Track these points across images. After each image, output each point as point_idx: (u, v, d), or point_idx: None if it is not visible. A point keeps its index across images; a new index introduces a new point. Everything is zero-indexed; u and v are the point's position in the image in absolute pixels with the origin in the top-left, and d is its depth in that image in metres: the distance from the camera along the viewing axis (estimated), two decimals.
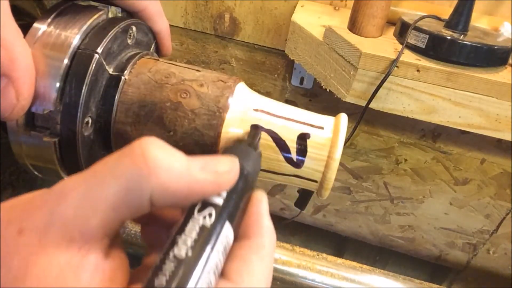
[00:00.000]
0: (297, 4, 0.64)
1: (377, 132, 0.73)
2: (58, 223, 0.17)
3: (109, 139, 0.29)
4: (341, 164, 0.78)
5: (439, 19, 0.57)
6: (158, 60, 0.30)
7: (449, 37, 0.51)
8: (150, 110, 0.27)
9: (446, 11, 0.56)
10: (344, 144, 0.27)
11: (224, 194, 0.20)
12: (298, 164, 0.27)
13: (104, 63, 0.26)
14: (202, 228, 0.18)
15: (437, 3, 0.61)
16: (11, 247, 0.17)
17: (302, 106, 0.30)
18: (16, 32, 0.22)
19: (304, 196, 0.35)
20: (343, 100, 0.57)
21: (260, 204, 0.22)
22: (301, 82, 0.71)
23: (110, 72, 0.27)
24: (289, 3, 0.65)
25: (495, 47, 0.51)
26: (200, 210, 0.19)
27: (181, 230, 0.18)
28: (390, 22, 0.59)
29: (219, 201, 0.20)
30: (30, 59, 0.23)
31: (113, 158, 0.18)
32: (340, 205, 0.85)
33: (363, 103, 0.55)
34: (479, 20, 0.60)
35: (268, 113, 0.28)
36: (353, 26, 0.55)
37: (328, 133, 0.27)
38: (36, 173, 0.29)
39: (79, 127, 0.26)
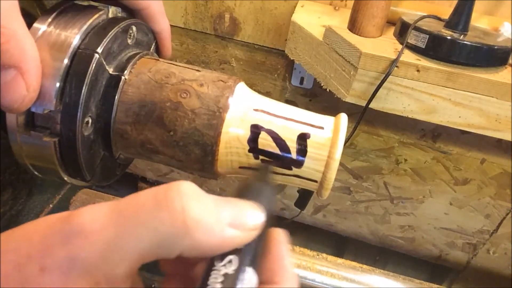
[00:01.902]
0: (297, 4, 0.64)
1: (377, 132, 0.73)
2: (83, 266, 0.17)
3: (109, 139, 0.29)
4: (341, 164, 0.78)
5: (439, 19, 0.57)
6: (158, 60, 0.30)
7: (449, 37, 0.51)
8: (150, 110, 0.27)
9: (446, 11, 0.56)
10: (344, 144, 0.27)
11: None
12: (298, 164, 0.27)
13: (104, 63, 0.26)
14: (225, 276, 0.18)
15: (437, 3, 0.61)
16: (34, 285, 0.17)
17: (302, 106, 0.30)
18: (25, 26, 0.23)
19: (304, 196, 0.35)
20: (343, 100, 0.57)
21: (281, 246, 0.22)
22: (301, 82, 0.71)
23: (110, 72, 0.27)
24: (289, 3, 0.65)
25: (495, 47, 0.51)
26: (221, 259, 0.19)
27: (204, 282, 0.18)
28: (390, 22, 0.59)
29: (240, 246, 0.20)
30: (37, 51, 0.23)
31: (148, 204, 0.18)
32: (340, 205, 0.85)
33: (363, 103, 0.55)
34: (479, 20, 0.60)
35: (268, 113, 0.28)
36: (353, 26, 0.55)
37: (328, 133, 0.27)
38: (36, 173, 0.29)
39: (79, 127, 0.26)
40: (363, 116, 0.55)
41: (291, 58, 0.64)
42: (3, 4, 0.21)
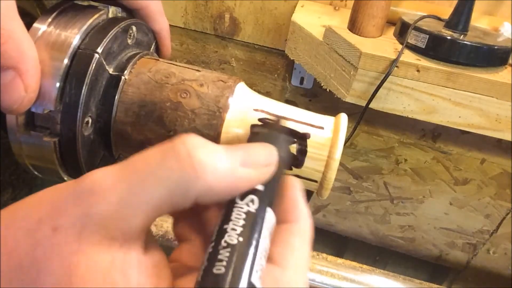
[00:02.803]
0: (297, 4, 0.64)
1: (377, 132, 0.73)
2: (97, 222, 0.17)
3: (109, 139, 0.29)
4: (341, 164, 0.78)
5: (439, 19, 0.57)
6: (158, 60, 0.30)
7: (449, 37, 0.51)
8: (150, 110, 0.27)
9: (446, 11, 0.56)
10: (344, 144, 0.27)
11: None
12: (298, 164, 0.27)
13: (104, 63, 0.26)
14: (248, 214, 0.19)
15: (437, 3, 0.61)
16: (47, 248, 0.16)
17: (302, 106, 0.30)
18: (23, 26, 0.23)
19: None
20: (343, 100, 0.57)
21: (296, 190, 0.22)
22: (301, 82, 0.71)
23: (110, 72, 0.27)
24: (289, 3, 0.65)
25: (495, 47, 0.51)
26: (242, 198, 0.19)
27: (227, 219, 0.18)
28: (390, 22, 0.59)
29: (260, 187, 0.20)
30: (35, 51, 0.23)
31: (156, 157, 0.18)
32: (340, 205, 0.85)
33: (363, 103, 0.55)
34: (479, 20, 0.60)
35: (268, 113, 0.28)
36: (353, 26, 0.55)
37: (328, 133, 0.27)
38: (36, 173, 0.29)
39: (79, 127, 0.26)
40: (363, 116, 0.55)
41: (291, 58, 0.64)
42: (1, 4, 0.21)
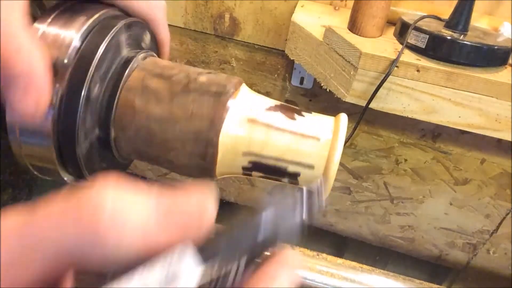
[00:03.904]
0: (297, 4, 0.64)
1: (377, 132, 0.73)
2: None
3: (109, 146, 0.29)
4: (341, 164, 0.78)
5: (439, 19, 0.57)
6: (154, 64, 0.30)
7: (449, 37, 0.51)
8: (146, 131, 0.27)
9: (446, 11, 0.56)
10: (344, 144, 0.27)
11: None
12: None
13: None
14: (167, 276, 0.15)
15: (437, 3, 0.61)
16: None
17: (302, 106, 0.30)
18: (32, 35, 0.22)
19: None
20: (343, 100, 0.57)
21: (280, 266, 0.17)
22: (301, 82, 0.71)
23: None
24: (289, 3, 0.65)
25: (495, 47, 0.51)
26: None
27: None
28: (390, 22, 0.59)
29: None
30: (46, 61, 0.22)
31: (58, 208, 0.16)
32: (340, 205, 0.85)
33: (363, 103, 0.55)
34: (479, 20, 0.60)
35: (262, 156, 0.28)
36: (353, 26, 0.55)
37: (328, 134, 0.27)
38: (36, 173, 0.29)
39: (77, 137, 0.26)
40: (363, 116, 0.55)
41: (291, 58, 0.64)
42: (7, 13, 0.20)
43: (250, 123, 0.27)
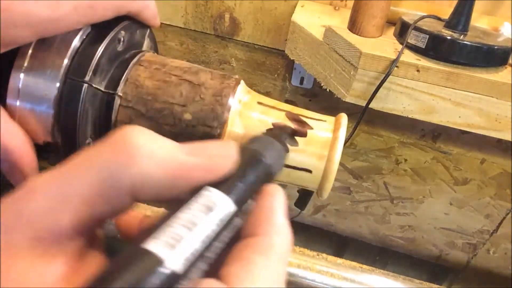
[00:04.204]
0: (297, 4, 0.64)
1: (377, 132, 0.73)
2: (25, 222, 0.15)
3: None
4: (341, 164, 0.78)
5: (439, 19, 0.57)
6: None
7: (449, 37, 0.51)
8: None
9: (446, 11, 0.56)
10: (344, 144, 0.27)
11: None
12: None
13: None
14: (207, 206, 0.16)
15: (437, 3, 0.61)
16: None
17: (302, 106, 0.30)
18: (5, 117, 0.24)
19: (304, 196, 0.35)
20: (343, 100, 0.57)
21: (272, 198, 0.19)
22: (301, 82, 0.71)
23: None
24: (289, 3, 0.65)
25: (495, 47, 0.51)
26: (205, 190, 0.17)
27: (181, 207, 0.16)
28: (390, 22, 0.59)
29: (231, 185, 0.17)
30: (21, 138, 0.24)
31: (90, 148, 0.16)
32: (340, 205, 0.85)
33: (363, 103, 0.55)
34: (479, 20, 0.60)
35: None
36: (353, 26, 0.55)
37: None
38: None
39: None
40: (363, 116, 0.55)
41: (291, 58, 0.64)
42: None
43: None
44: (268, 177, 0.20)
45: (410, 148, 0.74)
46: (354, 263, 0.67)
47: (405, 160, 0.75)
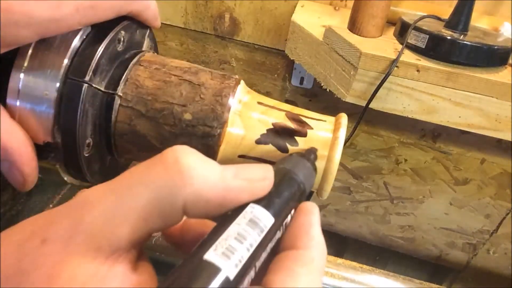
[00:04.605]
0: (297, 4, 0.64)
1: (377, 132, 0.73)
2: (84, 233, 0.16)
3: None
4: (341, 164, 0.78)
5: (439, 19, 0.57)
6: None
7: (449, 37, 0.51)
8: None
9: (446, 11, 0.56)
10: (344, 144, 0.27)
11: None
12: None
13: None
14: (251, 221, 0.18)
15: (437, 3, 0.61)
16: (34, 258, 0.16)
17: (302, 106, 0.30)
18: (4, 116, 0.24)
19: (304, 196, 0.35)
20: (343, 100, 0.57)
21: (310, 214, 0.21)
22: (301, 82, 0.71)
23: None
24: (289, 3, 0.65)
25: (495, 47, 0.51)
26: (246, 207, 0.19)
27: (228, 220, 0.18)
28: (390, 22, 0.59)
29: (270, 202, 0.19)
30: (21, 138, 0.24)
31: (142, 167, 0.18)
32: (340, 205, 0.85)
33: (363, 103, 0.55)
34: (479, 20, 0.60)
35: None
36: (353, 26, 0.55)
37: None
38: None
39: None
40: (363, 116, 0.55)
41: (291, 58, 0.64)
42: None
43: (240, 159, 0.27)
44: (301, 193, 0.22)
45: (410, 148, 0.74)
46: (354, 263, 0.67)
47: (405, 160, 0.75)
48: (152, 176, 0.17)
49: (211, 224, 0.22)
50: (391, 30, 0.59)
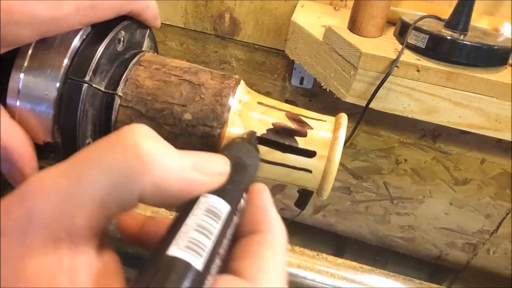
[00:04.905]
0: (297, 4, 0.64)
1: (377, 132, 0.73)
2: (39, 223, 0.16)
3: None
4: (341, 164, 0.78)
5: (439, 19, 0.57)
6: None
7: (449, 37, 0.51)
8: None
9: (446, 11, 0.56)
10: (344, 144, 0.27)
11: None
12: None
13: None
14: (209, 211, 0.18)
15: (437, 3, 0.61)
16: None
17: (302, 106, 0.30)
18: (4, 116, 0.24)
19: (304, 196, 0.35)
20: (343, 100, 0.57)
21: (262, 196, 0.21)
22: (301, 82, 0.71)
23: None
24: (289, 3, 0.65)
25: (495, 47, 0.51)
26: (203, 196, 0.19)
27: (186, 212, 0.17)
28: (390, 22, 0.59)
29: (224, 189, 0.19)
30: (21, 137, 0.24)
31: (98, 148, 0.17)
32: (340, 205, 0.85)
33: (363, 103, 0.55)
34: (479, 20, 0.60)
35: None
36: (353, 26, 0.55)
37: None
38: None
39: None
40: (363, 116, 0.55)
41: (291, 58, 0.64)
42: None
43: None
44: (250, 177, 0.22)
45: (410, 148, 0.74)
46: (354, 263, 0.67)
47: (405, 160, 0.75)
48: (109, 160, 0.16)
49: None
50: (391, 30, 0.59)
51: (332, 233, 0.90)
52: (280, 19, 0.66)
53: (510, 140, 0.56)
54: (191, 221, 0.17)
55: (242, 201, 0.20)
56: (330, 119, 0.28)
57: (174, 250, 0.16)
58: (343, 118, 0.28)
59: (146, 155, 0.17)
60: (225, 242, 0.18)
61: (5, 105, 0.25)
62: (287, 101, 0.74)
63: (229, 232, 0.18)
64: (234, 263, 0.18)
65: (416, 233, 0.85)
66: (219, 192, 0.19)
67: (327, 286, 0.64)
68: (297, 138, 0.27)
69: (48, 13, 0.22)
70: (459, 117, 0.55)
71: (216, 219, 0.18)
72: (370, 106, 0.55)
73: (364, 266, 0.67)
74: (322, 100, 0.73)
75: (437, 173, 0.75)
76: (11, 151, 0.23)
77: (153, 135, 0.18)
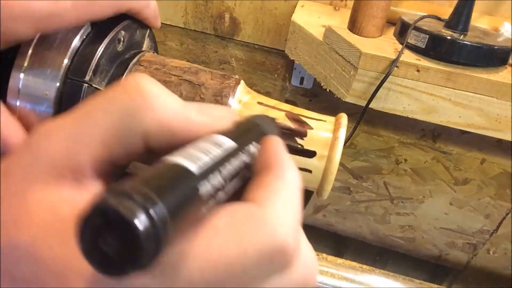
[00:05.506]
0: (297, 4, 0.64)
1: (377, 132, 0.73)
2: (44, 160, 0.16)
3: None
4: (341, 164, 0.78)
5: (439, 19, 0.57)
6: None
7: (449, 37, 0.51)
8: None
9: (446, 11, 0.56)
10: (344, 144, 0.27)
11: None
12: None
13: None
14: (213, 142, 0.17)
15: (437, 3, 0.61)
16: None
17: (302, 106, 0.30)
18: (5, 113, 0.24)
19: (304, 196, 0.35)
20: (343, 100, 0.57)
21: (274, 142, 0.20)
22: (301, 82, 0.71)
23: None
24: (289, 3, 0.65)
25: (495, 47, 0.51)
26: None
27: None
28: (390, 22, 0.59)
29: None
30: (23, 136, 0.24)
31: (102, 94, 0.17)
32: (340, 205, 0.85)
33: (363, 103, 0.55)
34: (479, 20, 0.60)
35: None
36: (353, 26, 0.55)
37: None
38: None
39: None
40: (363, 116, 0.55)
41: (291, 58, 0.64)
42: None
43: None
44: (261, 132, 0.21)
45: (410, 148, 0.74)
46: (354, 263, 0.67)
47: (405, 160, 0.75)
48: (111, 100, 0.17)
49: None
50: (391, 30, 0.59)
51: (332, 233, 0.90)
52: (280, 19, 0.66)
53: (510, 140, 0.56)
54: (196, 144, 0.17)
55: (252, 147, 0.20)
56: (330, 119, 0.28)
57: (167, 157, 0.15)
58: (343, 118, 0.28)
59: (148, 93, 0.17)
60: (229, 168, 0.17)
61: (5, 104, 0.25)
62: (287, 101, 0.74)
63: (235, 163, 0.18)
64: (247, 195, 0.18)
65: (416, 233, 0.85)
66: (225, 133, 0.18)
67: (327, 286, 0.64)
68: (297, 138, 0.27)
69: (46, 8, 0.22)
70: (459, 117, 0.55)
71: (218, 146, 0.17)
72: (370, 106, 0.55)
73: (364, 266, 0.67)
74: (322, 100, 0.73)
75: (437, 173, 0.75)
76: (11, 146, 0.23)
77: (156, 81, 0.18)
